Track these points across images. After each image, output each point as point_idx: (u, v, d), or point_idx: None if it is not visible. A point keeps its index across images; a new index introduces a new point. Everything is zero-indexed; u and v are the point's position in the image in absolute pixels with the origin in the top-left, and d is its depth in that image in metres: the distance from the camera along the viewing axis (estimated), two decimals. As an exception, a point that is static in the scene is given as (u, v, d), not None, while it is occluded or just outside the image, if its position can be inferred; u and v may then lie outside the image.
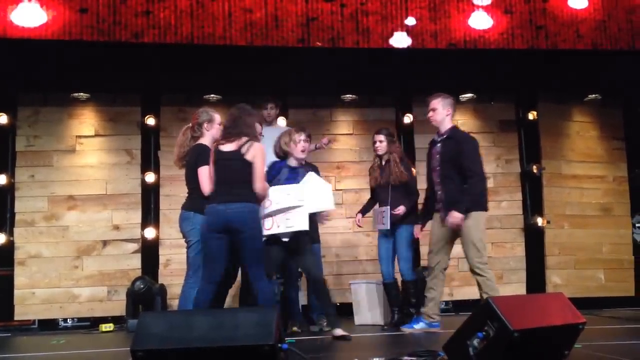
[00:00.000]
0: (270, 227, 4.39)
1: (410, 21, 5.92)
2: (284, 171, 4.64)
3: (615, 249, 7.16)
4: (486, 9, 6.04)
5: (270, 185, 4.43)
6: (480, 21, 5.99)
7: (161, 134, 6.68)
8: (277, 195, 4.38)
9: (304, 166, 4.73)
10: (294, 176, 4.59)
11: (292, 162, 4.68)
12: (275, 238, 4.45)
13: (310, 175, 4.56)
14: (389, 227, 5.14)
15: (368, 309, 5.69)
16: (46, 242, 6.33)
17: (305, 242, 4.55)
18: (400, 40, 5.95)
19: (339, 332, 4.54)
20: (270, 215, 4.37)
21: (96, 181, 6.49)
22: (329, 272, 6.36)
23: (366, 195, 6.85)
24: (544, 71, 6.55)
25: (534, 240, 6.99)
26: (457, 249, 6.81)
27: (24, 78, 6.12)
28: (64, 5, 5.44)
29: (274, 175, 4.61)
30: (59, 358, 4.34)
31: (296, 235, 4.45)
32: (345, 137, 6.96)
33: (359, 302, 5.75)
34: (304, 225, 4.40)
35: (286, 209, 4.36)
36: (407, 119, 6.98)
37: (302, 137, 4.65)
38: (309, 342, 4.50)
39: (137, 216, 6.50)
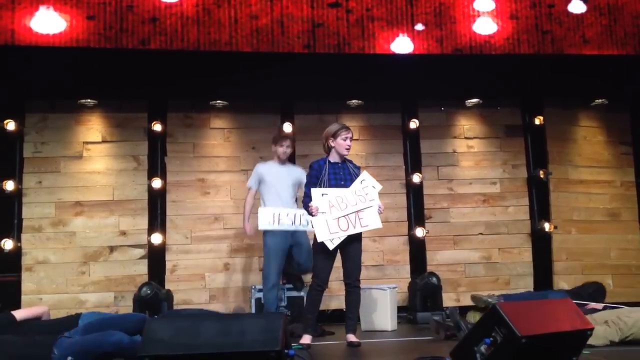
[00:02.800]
0: (347, 228, 4.49)
1: (419, 27, 5.93)
2: (325, 167, 4.63)
3: (623, 254, 7.11)
4: (492, 14, 6.04)
5: (315, 185, 4.54)
6: (484, 26, 5.99)
7: (168, 139, 6.70)
8: (348, 197, 4.51)
9: (345, 162, 4.71)
10: (335, 171, 4.62)
11: (333, 158, 4.67)
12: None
13: (365, 174, 4.64)
14: None
15: (375, 314, 5.68)
16: (53, 248, 6.35)
17: (357, 243, 4.60)
18: (405, 45, 5.96)
19: (351, 337, 4.54)
20: (343, 216, 4.49)
21: (103, 187, 6.51)
22: (335, 278, 6.34)
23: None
24: (550, 76, 6.53)
25: (541, 246, 6.96)
26: (465, 254, 6.84)
27: (31, 85, 6.15)
28: (72, 12, 5.48)
29: (317, 174, 4.62)
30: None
31: (349, 238, 4.52)
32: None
33: (366, 307, 5.74)
34: (378, 224, 4.56)
35: (359, 210, 4.51)
36: (413, 124, 6.98)
37: (350, 134, 4.66)
38: (315, 348, 4.48)
39: (143, 222, 6.51)
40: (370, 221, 4.53)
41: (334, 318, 6.24)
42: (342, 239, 4.48)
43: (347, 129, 4.67)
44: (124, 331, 3.47)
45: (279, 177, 5.57)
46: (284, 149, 5.61)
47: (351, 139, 4.67)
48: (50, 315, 4.27)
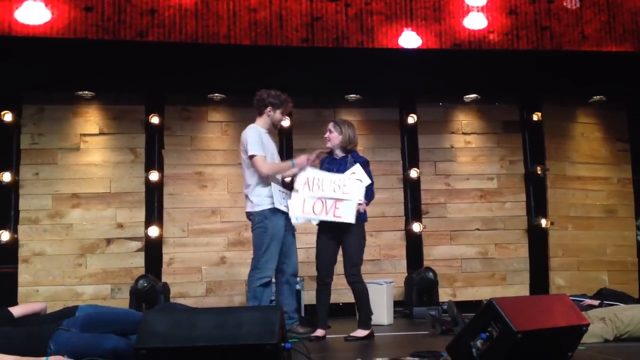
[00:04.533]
0: (320, 212, 4.50)
1: (418, 22, 5.91)
2: (326, 160, 4.76)
3: (619, 250, 7.14)
4: (490, 9, 6.03)
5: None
6: (482, 22, 5.98)
7: (165, 132, 6.68)
8: (325, 183, 4.52)
9: (346, 157, 4.70)
10: (329, 167, 4.69)
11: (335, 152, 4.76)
12: (328, 234, 4.58)
13: (357, 167, 4.60)
14: None
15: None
16: (50, 240, 6.34)
17: (351, 237, 4.61)
18: (404, 40, 5.95)
19: (356, 332, 4.62)
20: (320, 198, 4.50)
21: (100, 179, 6.50)
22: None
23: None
24: (549, 72, 6.53)
25: (538, 242, 6.98)
26: (461, 249, 6.85)
27: (29, 76, 6.12)
28: (69, 3, 5.46)
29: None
30: (62, 356, 4.33)
31: (346, 229, 4.54)
32: (349, 137, 6.95)
33: (362, 302, 5.74)
34: (352, 219, 4.48)
35: (338, 199, 4.49)
36: (411, 119, 6.97)
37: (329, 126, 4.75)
38: (311, 341, 4.49)
39: (140, 214, 6.50)
40: (344, 214, 4.48)
41: (330, 312, 6.25)
42: (312, 221, 4.58)
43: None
44: (122, 331, 3.46)
45: (274, 151, 4.81)
46: (283, 118, 4.86)
47: (329, 131, 4.69)
48: (47, 312, 4.27)
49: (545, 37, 6.08)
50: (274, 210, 4.59)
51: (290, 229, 4.75)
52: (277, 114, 4.74)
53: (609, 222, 7.15)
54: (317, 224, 4.68)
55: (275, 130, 5.19)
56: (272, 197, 4.58)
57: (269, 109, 4.72)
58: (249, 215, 4.70)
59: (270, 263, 4.60)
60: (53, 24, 5.42)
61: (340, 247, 4.66)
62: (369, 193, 4.60)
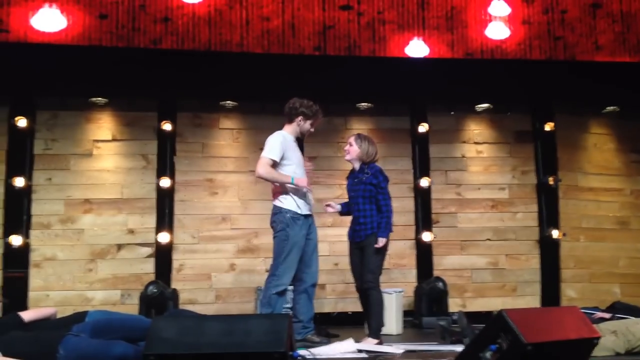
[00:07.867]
0: None
1: (430, 31, 5.93)
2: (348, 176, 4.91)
3: (632, 263, 7.06)
4: (503, 19, 6.03)
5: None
6: (495, 31, 5.98)
7: (177, 139, 6.71)
8: None
9: (363, 170, 4.77)
10: (352, 181, 4.81)
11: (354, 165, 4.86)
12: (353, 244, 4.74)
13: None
14: None
15: (380, 318, 5.65)
16: (61, 245, 6.38)
17: (372, 244, 4.64)
18: (416, 49, 5.95)
19: (364, 340, 4.58)
20: None
21: (112, 185, 6.54)
22: (341, 280, 6.35)
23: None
24: (562, 82, 6.51)
25: (549, 253, 6.92)
26: (472, 259, 6.81)
27: (43, 82, 6.19)
28: (84, 11, 5.53)
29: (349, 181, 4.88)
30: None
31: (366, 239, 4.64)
32: (360, 146, 6.94)
33: (371, 311, 5.71)
34: None
35: None
36: (422, 128, 6.95)
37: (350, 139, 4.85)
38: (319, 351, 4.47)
39: (151, 221, 6.53)
40: None
41: (340, 321, 6.24)
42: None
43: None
44: (132, 337, 3.46)
45: (300, 157, 4.82)
46: (311, 129, 4.84)
47: (350, 144, 4.78)
48: (57, 317, 4.28)
49: (558, 47, 6.07)
50: (296, 219, 4.65)
51: (313, 238, 4.79)
52: (307, 124, 4.80)
53: (622, 234, 7.08)
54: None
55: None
56: (296, 203, 4.66)
57: (300, 118, 4.80)
58: (272, 222, 4.75)
59: (289, 271, 4.60)
60: (68, 31, 5.49)
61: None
62: (385, 225, 4.62)
